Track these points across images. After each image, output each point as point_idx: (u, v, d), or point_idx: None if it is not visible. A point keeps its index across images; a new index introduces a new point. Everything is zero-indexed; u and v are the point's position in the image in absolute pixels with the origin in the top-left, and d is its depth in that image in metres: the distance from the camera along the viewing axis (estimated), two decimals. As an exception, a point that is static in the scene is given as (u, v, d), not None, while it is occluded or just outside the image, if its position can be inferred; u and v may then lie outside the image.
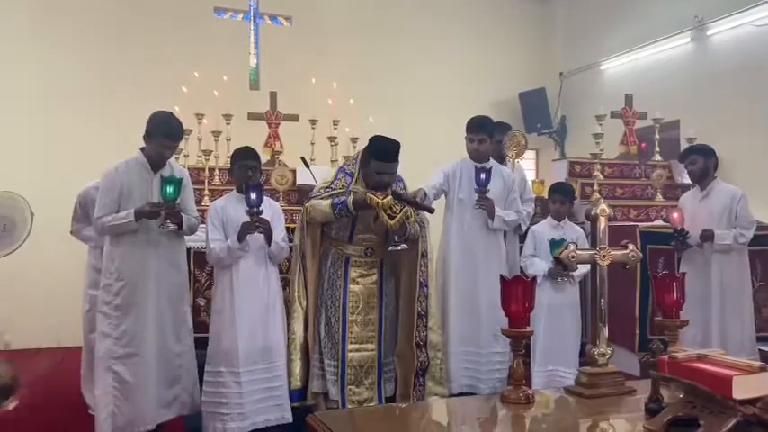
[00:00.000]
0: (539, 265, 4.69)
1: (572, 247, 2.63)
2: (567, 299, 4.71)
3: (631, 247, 2.67)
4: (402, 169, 4.05)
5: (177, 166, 4.24)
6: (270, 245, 3.97)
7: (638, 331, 5.47)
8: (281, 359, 3.99)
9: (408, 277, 4.20)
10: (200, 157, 5.96)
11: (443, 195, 4.89)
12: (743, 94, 6.85)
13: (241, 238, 3.86)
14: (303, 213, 4.13)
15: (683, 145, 6.07)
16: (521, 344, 2.40)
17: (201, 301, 4.93)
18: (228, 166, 4.55)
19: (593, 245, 2.68)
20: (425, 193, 4.37)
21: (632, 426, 2.16)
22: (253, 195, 3.78)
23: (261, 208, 3.82)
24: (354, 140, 6.40)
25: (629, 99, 6.93)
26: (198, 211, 4.26)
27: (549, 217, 4.96)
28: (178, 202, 3.83)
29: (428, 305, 4.14)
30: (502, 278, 2.44)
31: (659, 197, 6.52)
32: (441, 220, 4.86)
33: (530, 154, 9.19)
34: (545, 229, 4.83)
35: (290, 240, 4.35)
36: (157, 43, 7.66)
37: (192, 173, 5.28)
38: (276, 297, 4.08)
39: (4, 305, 6.53)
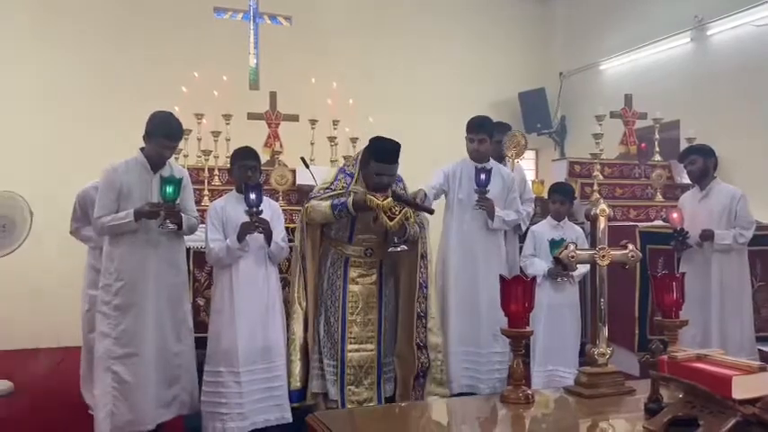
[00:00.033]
0: (538, 265, 4.69)
1: (571, 246, 2.63)
2: (567, 299, 4.71)
3: (631, 247, 2.67)
4: (402, 169, 4.05)
5: (177, 166, 4.24)
6: (269, 245, 3.97)
7: (637, 331, 5.47)
8: (280, 359, 3.99)
9: (408, 278, 4.20)
10: (200, 156, 5.96)
11: (443, 195, 4.89)
12: (743, 94, 6.85)
13: (241, 238, 3.86)
14: (303, 214, 4.13)
15: (683, 145, 6.07)
16: (520, 344, 2.39)
17: (201, 301, 4.93)
18: (228, 166, 4.55)
19: (593, 245, 2.68)
20: (425, 194, 4.37)
21: (632, 426, 2.16)
22: (252, 195, 3.78)
23: (260, 208, 3.82)
24: (354, 140, 6.40)
25: (628, 99, 6.93)
26: (197, 210, 4.26)
27: (548, 217, 4.96)
28: (178, 202, 3.83)
29: (427, 306, 4.13)
30: (501, 278, 2.44)
31: (659, 197, 6.52)
32: (441, 220, 4.86)
33: (529, 154, 9.20)
34: (545, 229, 4.83)
35: (290, 240, 4.35)
36: (157, 43, 7.66)
37: (192, 173, 5.28)
38: (276, 297, 4.08)
39: (3, 305, 6.54)
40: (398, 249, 3.94)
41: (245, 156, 4.14)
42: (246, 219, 3.82)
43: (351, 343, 4.06)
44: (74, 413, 4.58)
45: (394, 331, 4.21)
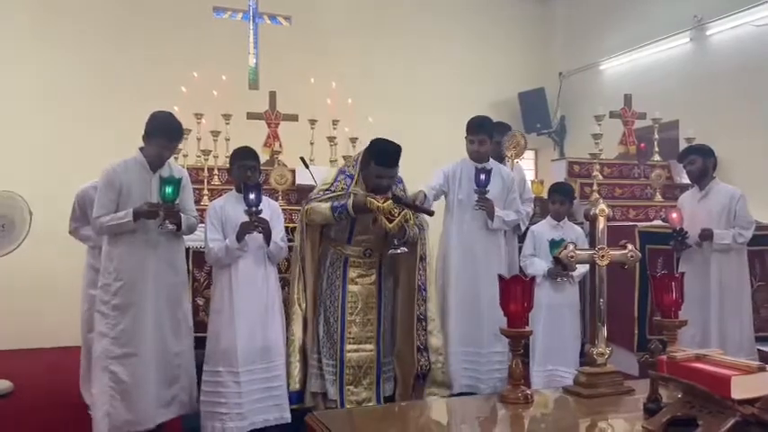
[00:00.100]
0: (538, 265, 4.69)
1: (571, 246, 2.63)
2: (567, 299, 4.71)
3: (630, 246, 2.67)
4: (402, 170, 4.04)
5: (176, 165, 4.24)
6: (269, 245, 3.97)
7: (636, 331, 5.47)
8: (279, 359, 3.98)
9: (406, 280, 4.20)
10: (200, 156, 5.96)
11: (443, 196, 4.89)
12: (742, 94, 6.85)
13: (240, 237, 3.85)
14: (302, 215, 4.13)
15: (682, 145, 6.07)
16: (519, 344, 2.39)
17: (200, 301, 4.92)
18: (228, 165, 4.55)
19: (592, 245, 2.68)
20: (425, 196, 4.36)
21: (631, 426, 2.16)
22: (252, 195, 3.78)
23: (260, 208, 3.81)
24: (354, 140, 6.40)
25: (628, 99, 6.93)
26: (197, 210, 4.26)
27: (548, 217, 4.96)
28: (177, 202, 3.82)
29: (427, 308, 4.12)
30: (500, 278, 2.44)
31: (658, 197, 6.53)
32: (441, 220, 4.86)
33: (529, 154, 9.20)
34: (544, 229, 4.83)
35: (290, 240, 4.35)
36: (157, 43, 7.66)
37: (192, 172, 5.28)
38: (275, 297, 4.08)
39: (2, 304, 6.54)
40: (398, 251, 3.93)
41: (244, 155, 4.13)
42: (246, 218, 3.81)
43: (350, 343, 4.06)
44: (73, 413, 4.58)
45: (393, 331, 4.21)
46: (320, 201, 4.02)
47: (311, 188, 4.69)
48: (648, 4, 8.13)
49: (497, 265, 4.62)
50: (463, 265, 4.73)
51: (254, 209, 3.79)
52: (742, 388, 1.77)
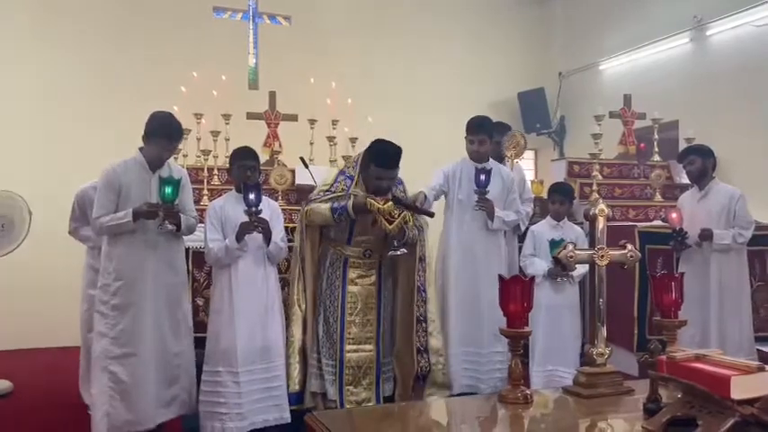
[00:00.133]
0: (538, 265, 4.69)
1: (570, 246, 2.63)
2: (567, 299, 4.71)
3: (630, 247, 2.67)
4: (401, 170, 4.04)
5: (176, 165, 4.23)
6: (268, 245, 3.97)
7: (636, 331, 5.47)
8: (279, 359, 3.98)
9: (405, 281, 4.19)
10: (199, 156, 5.95)
11: (443, 196, 4.89)
12: (742, 94, 6.85)
13: (239, 237, 3.85)
14: (302, 216, 4.12)
15: (682, 145, 6.08)
16: (519, 344, 2.39)
17: (200, 301, 4.92)
18: (227, 165, 4.55)
19: (592, 245, 2.68)
20: (425, 197, 4.36)
21: (630, 426, 2.16)
22: (251, 195, 3.78)
23: (259, 208, 3.81)
24: (353, 140, 6.40)
25: (627, 99, 6.93)
26: (197, 210, 4.26)
27: (548, 217, 4.97)
28: (176, 202, 3.82)
29: (427, 310, 4.11)
30: (500, 278, 2.44)
31: (658, 197, 6.53)
32: (441, 220, 4.86)
33: (528, 154, 9.20)
34: (544, 229, 4.83)
35: (290, 240, 4.35)
36: (157, 43, 7.66)
37: (191, 172, 5.28)
38: (275, 297, 4.08)
39: (2, 304, 6.54)
40: (398, 253, 3.93)
41: (244, 155, 4.13)
42: (245, 218, 3.82)
43: (349, 343, 4.06)
44: (73, 413, 4.58)
45: (393, 332, 4.21)
46: (320, 202, 4.02)
47: (311, 188, 4.69)
48: (648, 4, 8.13)
49: (497, 266, 4.62)
50: (463, 265, 4.73)
51: (253, 209, 3.79)
52: (741, 388, 1.77)
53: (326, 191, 4.07)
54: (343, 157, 6.24)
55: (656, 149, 6.81)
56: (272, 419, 3.92)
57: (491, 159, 4.94)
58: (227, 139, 5.94)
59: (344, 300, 4.08)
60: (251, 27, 8.24)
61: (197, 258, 4.87)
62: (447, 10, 9.12)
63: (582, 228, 4.91)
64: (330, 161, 6.31)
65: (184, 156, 6.05)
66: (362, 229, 4.05)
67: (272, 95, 6.49)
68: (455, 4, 9.22)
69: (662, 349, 2.24)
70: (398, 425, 2.42)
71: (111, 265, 3.83)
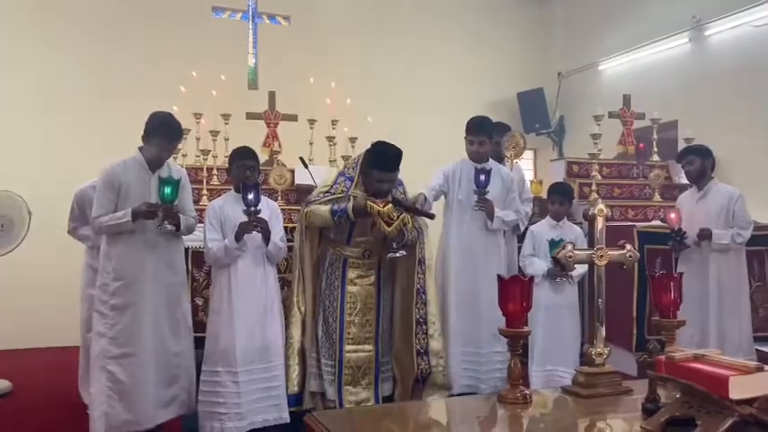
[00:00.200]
0: (538, 265, 4.70)
1: (569, 247, 2.63)
2: (566, 300, 4.71)
3: (629, 247, 2.67)
4: (401, 170, 4.03)
5: (175, 165, 4.23)
6: (267, 244, 3.97)
7: (635, 331, 5.47)
8: (278, 359, 3.98)
9: (405, 282, 4.18)
10: (199, 156, 5.96)
11: (443, 196, 4.89)
12: (741, 94, 6.86)
13: (239, 237, 3.85)
14: (302, 218, 4.12)
15: (681, 145, 6.08)
16: (518, 344, 2.39)
17: (199, 301, 4.92)
18: (227, 165, 4.55)
19: (591, 245, 2.68)
20: (425, 198, 4.36)
21: (629, 426, 2.16)
22: (250, 195, 3.78)
23: (258, 207, 3.81)
24: (353, 140, 6.40)
25: (627, 99, 6.94)
26: (196, 210, 4.26)
27: (547, 217, 4.97)
28: (176, 203, 3.82)
29: (427, 312, 4.10)
30: (499, 278, 2.44)
31: (657, 197, 6.54)
32: (441, 220, 4.86)
33: (528, 154, 9.19)
34: (544, 229, 4.84)
35: (289, 240, 4.35)
36: (156, 43, 7.66)
37: (191, 172, 5.29)
38: (274, 297, 4.07)
39: (1, 304, 6.54)
40: (397, 255, 3.93)
41: (243, 155, 4.13)
42: (245, 218, 3.82)
43: (348, 343, 4.06)
44: (72, 413, 4.58)
45: (392, 332, 4.21)
46: (320, 203, 4.01)
47: (310, 188, 4.69)
48: (647, 4, 8.14)
49: (497, 266, 4.62)
50: (463, 265, 4.73)
51: (252, 209, 3.79)
52: (740, 388, 1.77)
53: (326, 192, 4.06)
54: (342, 157, 6.25)
55: (656, 149, 6.82)
56: (271, 419, 3.92)
57: (490, 159, 4.94)
58: (227, 139, 5.93)
59: (344, 300, 4.08)
60: (250, 27, 8.25)
61: (196, 258, 4.87)
62: (447, 10, 9.13)
63: (581, 228, 4.92)
64: (329, 161, 6.31)
65: (184, 155, 6.06)
66: (362, 230, 4.05)
67: (272, 95, 6.49)
68: (455, 4, 9.22)
69: (661, 349, 2.24)
70: (398, 425, 2.41)
71: (110, 265, 3.83)
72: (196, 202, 5.04)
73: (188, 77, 6.33)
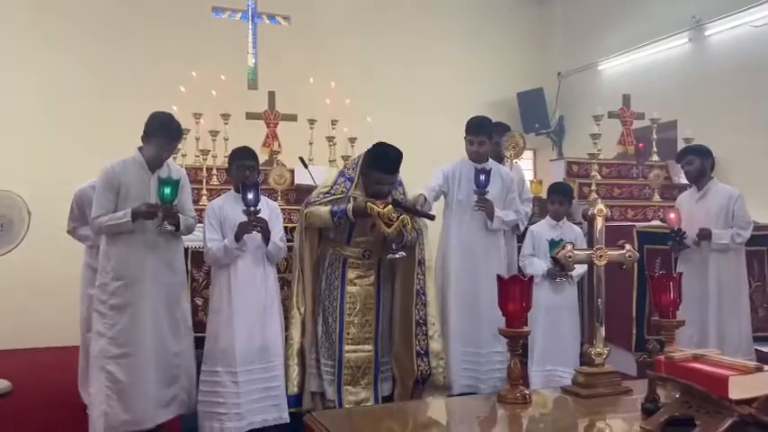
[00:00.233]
0: (537, 265, 4.70)
1: (569, 247, 2.63)
2: (566, 300, 4.71)
3: (628, 247, 2.67)
4: (401, 170, 4.02)
5: (175, 165, 4.22)
6: (267, 244, 3.97)
7: (635, 331, 5.48)
8: (278, 359, 3.98)
9: (404, 284, 4.17)
10: (198, 156, 5.96)
11: (443, 196, 4.88)
12: (740, 94, 6.86)
13: (238, 237, 3.85)
14: (301, 219, 4.12)
15: (681, 145, 6.08)
16: (517, 344, 2.39)
17: (199, 301, 4.92)
18: (226, 165, 4.55)
19: (591, 245, 2.68)
20: (425, 199, 4.35)
21: (629, 426, 2.16)
22: (249, 195, 3.77)
23: (258, 207, 3.81)
24: (353, 140, 6.40)
25: (626, 99, 6.94)
26: (196, 210, 4.26)
27: (547, 217, 4.97)
28: (175, 203, 3.82)
29: (427, 313, 4.08)
30: (499, 278, 2.44)
31: (656, 197, 6.54)
32: (441, 220, 4.85)
33: (527, 154, 9.19)
34: (544, 229, 4.84)
35: (289, 240, 4.35)
36: (156, 43, 7.67)
37: (190, 172, 5.29)
38: (274, 297, 4.07)
39: (1, 304, 6.54)
40: (397, 256, 3.93)
41: (243, 155, 4.13)
42: (244, 218, 3.82)
43: (348, 344, 4.05)
44: (72, 413, 4.58)
45: (392, 332, 4.21)
46: (319, 204, 4.00)
47: (310, 188, 4.68)
48: (647, 4, 8.14)
49: (497, 266, 4.62)
50: (463, 265, 4.73)
51: (252, 208, 3.79)
52: (739, 388, 1.77)
53: (326, 193, 4.05)
54: (342, 156, 6.25)
55: (655, 149, 6.82)
56: (270, 419, 3.91)
57: (490, 159, 4.94)
58: (226, 139, 5.94)
59: (343, 300, 4.07)
60: (250, 27, 8.25)
61: (196, 258, 4.87)
62: (447, 10, 9.13)
63: (581, 228, 4.92)
64: (329, 161, 6.31)
65: (183, 155, 6.06)
66: (362, 230, 4.04)
67: (272, 95, 6.49)
68: (455, 4, 9.23)
69: (660, 349, 2.24)
70: (398, 425, 2.41)
71: (109, 265, 3.83)
72: (196, 202, 5.04)
73: (188, 77, 6.34)
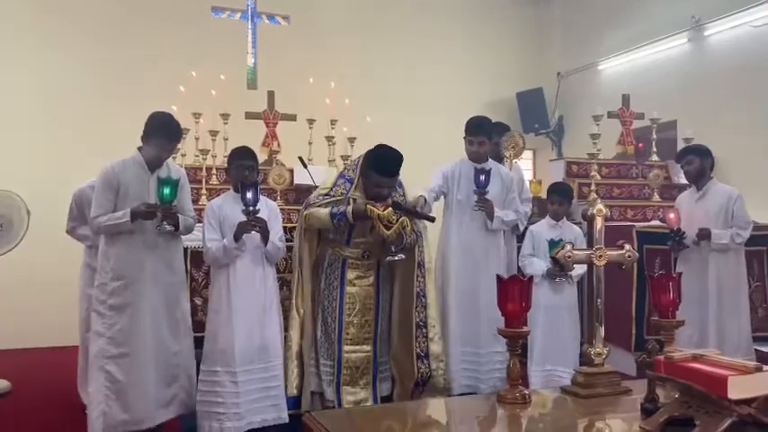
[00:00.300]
0: (537, 265, 4.69)
1: (568, 247, 2.63)
2: (565, 299, 4.70)
3: (628, 247, 2.67)
4: (401, 170, 4.02)
5: (174, 165, 4.22)
6: (266, 244, 3.96)
7: (634, 331, 5.48)
8: (277, 359, 3.98)
9: (403, 286, 4.17)
10: (198, 156, 5.96)
11: (443, 196, 4.88)
12: (740, 94, 6.86)
13: (237, 237, 3.85)
14: (301, 221, 4.12)
15: (680, 145, 6.09)
16: (517, 344, 2.39)
17: (198, 301, 4.92)
18: (226, 165, 4.55)
19: (590, 245, 2.68)
20: (425, 201, 4.35)
21: (628, 426, 2.16)
22: (249, 194, 3.77)
23: (257, 207, 3.81)
24: (352, 140, 6.40)
25: (626, 99, 6.94)
26: (195, 209, 4.26)
27: (547, 217, 4.97)
28: (175, 203, 3.82)
29: (427, 315, 4.08)
30: (498, 278, 2.44)
31: (656, 197, 6.54)
32: (440, 221, 4.85)
33: (527, 154, 9.20)
34: (543, 229, 4.83)
35: (289, 240, 4.34)
36: (156, 43, 7.67)
37: (190, 172, 5.29)
38: (273, 297, 4.07)
39: (0, 304, 6.53)
40: (396, 258, 3.92)
41: (242, 155, 4.13)
42: (243, 218, 3.81)
43: (347, 344, 4.05)
44: (71, 413, 4.58)
45: (391, 332, 4.20)
46: (319, 206, 4.00)
47: (309, 188, 4.68)
48: (647, 4, 8.14)
49: (497, 266, 4.62)
50: (463, 265, 4.73)
51: (251, 208, 3.78)
52: (739, 388, 1.77)
53: (326, 195, 4.04)
54: (341, 156, 6.25)
55: (655, 149, 6.83)
56: (270, 419, 3.91)
57: (490, 159, 4.94)
58: (226, 139, 5.94)
59: (343, 300, 4.07)
60: (249, 27, 8.24)
61: (195, 258, 4.87)
62: (446, 10, 9.13)
63: (580, 228, 4.92)
64: (329, 161, 6.31)
65: (183, 155, 6.06)
66: (361, 231, 4.03)
67: (271, 95, 6.49)
68: (454, 4, 9.23)
69: (660, 349, 2.25)
70: (397, 425, 2.41)
71: (108, 264, 3.83)
72: (195, 201, 5.04)
73: (187, 77, 6.34)
